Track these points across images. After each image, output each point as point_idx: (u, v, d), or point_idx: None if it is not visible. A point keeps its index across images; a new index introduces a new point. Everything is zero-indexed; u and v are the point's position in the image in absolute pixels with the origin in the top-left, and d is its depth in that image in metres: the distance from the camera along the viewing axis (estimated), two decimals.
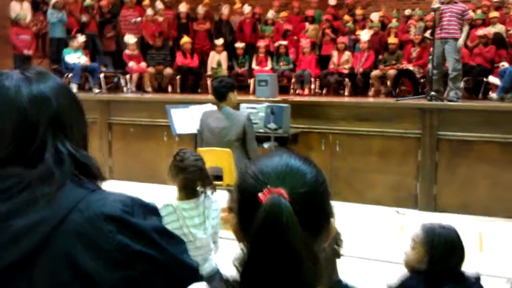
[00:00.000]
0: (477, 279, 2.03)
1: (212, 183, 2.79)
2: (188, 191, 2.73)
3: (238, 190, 0.91)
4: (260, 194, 0.83)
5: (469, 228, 5.26)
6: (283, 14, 10.63)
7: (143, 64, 9.36)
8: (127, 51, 9.31)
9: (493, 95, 7.39)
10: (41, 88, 0.99)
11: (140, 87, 9.26)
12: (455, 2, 6.75)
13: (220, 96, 5.10)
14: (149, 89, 9.31)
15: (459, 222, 5.36)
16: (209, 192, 2.77)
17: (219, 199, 2.89)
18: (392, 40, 9.12)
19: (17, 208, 0.90)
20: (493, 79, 7.70)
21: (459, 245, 2.03)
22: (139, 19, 9.26)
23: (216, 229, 2.82)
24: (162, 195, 2.87)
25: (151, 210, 1.00)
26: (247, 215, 0.85)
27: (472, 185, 5.90)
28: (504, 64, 7.70)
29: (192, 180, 2.72)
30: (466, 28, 6.89)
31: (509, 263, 4.36)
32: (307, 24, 10.31)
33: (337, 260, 1.81)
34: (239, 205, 0.90)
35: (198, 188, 2.73)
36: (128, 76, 9.22)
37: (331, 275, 1.74)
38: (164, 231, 1.00)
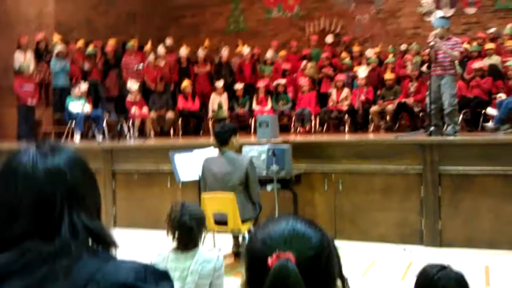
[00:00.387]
0: None
1: (199, 240, 2.82)
2: (180, 244, 2.78)
3: (247, 254, 0.97)
4: (269, 258, 0.89)
5: (475, 262, 5.26)
6: (282, 53, 10.83)
7: (145, 110, 9.50)
8: (129, 97, 9.48)
9: (489, 124, 7.48)
10: (56, 162, 1.04)
11: (142, 132, 9.38)
12: (449, 38, 6.88)
13: (223, 141, 5.17)
14: (151, 133, 9.43)
15: (465, 256, 5.37)
16: (206, 250, 2.82)
17: (223, 247, 2.90)
18: (388, 76, 9.25)
19: (37, 283, 0.93)
20: (491, 111, 7.78)
21: None
22: (141, 66, 9.45)
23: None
24: (164, 242, 2.90)
25: (163, 276, 1.05)
26: (256, 277, 0.92)
27: (476, 219, 5.89)
28: (502, 96, 7.79)
29: (181, 235, 2.77)
30: (457, 64, 7.00)
31: None
32: (304, 62, 10.48)
33: None
34: (248, 267, 0.96)
35: (191, 243, 2.77)
36: (130, 122, 9.36)
37: None
38: None
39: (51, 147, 1.07)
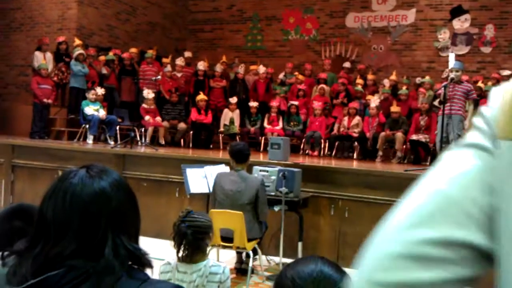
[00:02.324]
0: None
1: (202, 251, 2.82)
2: (184, 254, 2.80)
3: None
4: None
5: None
6: (299, 75, 10.91)
7: (158, 119, 9.63)
8: (144, 105, 9.61)
9: None
10: (102, 185, 1.13)
11: (154, 141, 9.49)
12: (462, 82, 7.04)
13: (242, 159, 5.26)
14: (163, 142, 9.54)
15: None
16: (212, 263, 2.83)
17: (227, 262, 2.92)
18: (394, 108, 9.28)
19: None
20: None
21: None
22: (159, 77, 9.60)
23: None
24: (168, 251, 2.92)
25: None
26: None
27: None
28: None
29: (180, 244, 2.78)
30: (471, 108, 7.14)
31: None
32: (322, 85, 10.48)
33: None
34: None
35: (194, 253, 2.79)
36: (143, 129, 9.48)
37: None
38: None
39: (99, 171, 1.16)
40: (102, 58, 10.47)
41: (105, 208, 1.11)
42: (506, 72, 9.84)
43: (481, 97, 9.17)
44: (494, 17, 11.19)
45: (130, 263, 1.12)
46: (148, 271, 1.15)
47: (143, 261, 1.15)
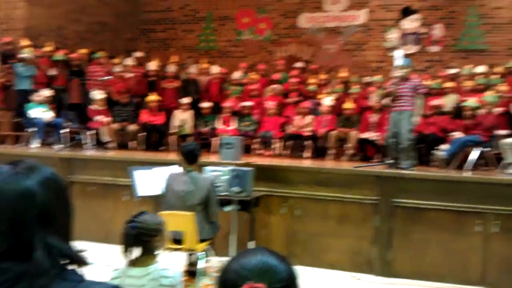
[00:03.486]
0: None
1: (152, 254, 2.77)
2: (134, 258, 2.74)
3: (219, 283, 1.03)
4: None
5: None
6: (253, 75, 10.90)
7: (107, 119, 9.40)
8: (92, 106, 9.37)
9: (439, 153, 7.80)
10: (29, 183, 1.06)
11: (103, 143, 9.25)
12: (410, 78, 7.22)
13: (192, 159, 5.21)
14: (112, 145, 9.30)
15: None
16: (163, 266, 2.78)
17: (178, 263, 2.87)
18: (348, 105, 9.41)
19: None
20: (444, 147, 8.06)
21: None
22: (108, 77, 9.38)
23: None
24: (115, 256, 2.85)
25: None
26: None
27: (425, 252, 6.08)
28: (457, 135, 8.10)
29: (134, 246, 2.72)
30: (419, 102, 7.31)
31: None
32: (275, 85, 10.50)
33: None
34: None
35: (146, 256, 2.73)
36: (90, 132, 9.21)
37: None
38: None
39: (26, 168, 1.10)
40: (47, 49, 10.12)
41: (32, 207, 1.04)
42: (452, 71, 10.12)
43: (428, 94, 9.41)
44: (442, 16, 11.51)
45: (63, 263, 1.07)
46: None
47: (76, 259, 1.09)
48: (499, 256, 5.87)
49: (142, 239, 2.73)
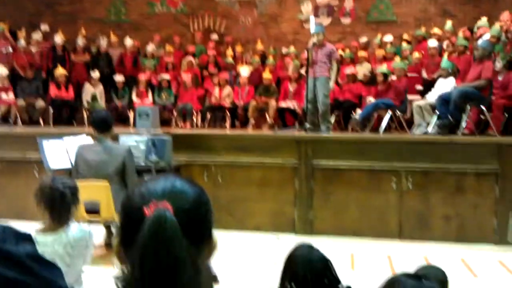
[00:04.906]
0: None
1: (71, 214, 2.62)
2: (51, 220, 2.58)
3: (123, 209, 0.93)
4: (145, 208, 0.87)
5: (343, 249, 5.64)
6: (168, 48, 10.62)
7: (12, 96, 8.77)
8: None
9: (356, 117, 8.10)
10: None
11: (7, 120, 8.65)
12: (325, 45, 7.35)
13: (105, 128, 4.96)
14: (19, 121, 8.73)
15: (333, 244, 5.68)
16: (76, 226, 2.63)
17: (95, 235, 2.76)
18: (266, 75, 9.45)
19: None
20: (359, 112, 8.34)
21: None
22: (10, 49, 8.73)
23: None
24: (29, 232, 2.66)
25: (24, 237, 0.96)
26: (130, 232, 0.88)
27: (344, 210, 6.29)
28: (371, 100, 8.40)
29: (54, 207, 2.56)
30: (335, 68, 7.48)
31: (377, 279, 4.66)
32: (190, 58, 10.34)
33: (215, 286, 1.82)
34: (123, 223, 0.93)
35: (65, 215, 2.58)
36: None
37: None
38: (38, 257, 0.95)
39: None
40: None
41: None
42: (363, 39, 10.46)
43: (342, 64, 9.67)
44: None
45: None
46: None
47: None
48: (413, 210, 6.18)
49: (69, 197, 2.56)
